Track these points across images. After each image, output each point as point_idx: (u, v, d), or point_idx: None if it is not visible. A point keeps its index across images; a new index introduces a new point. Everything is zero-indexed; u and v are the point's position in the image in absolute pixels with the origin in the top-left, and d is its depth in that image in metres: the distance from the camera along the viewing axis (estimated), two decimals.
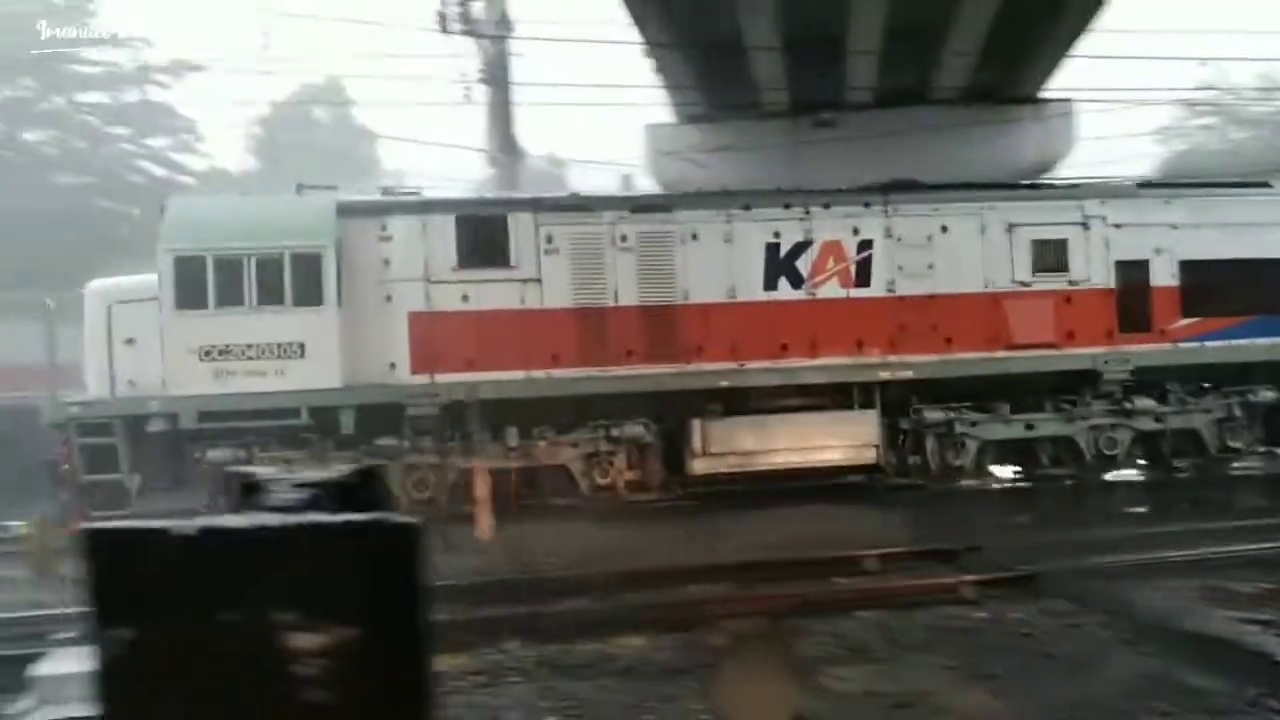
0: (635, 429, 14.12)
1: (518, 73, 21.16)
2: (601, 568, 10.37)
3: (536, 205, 14.24)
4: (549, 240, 14.08)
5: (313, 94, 42.93)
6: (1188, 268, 15.33)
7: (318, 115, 44.14)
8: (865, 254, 14.73)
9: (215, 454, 13.17)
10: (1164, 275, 15.34)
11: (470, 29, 19.87)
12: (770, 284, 14.53)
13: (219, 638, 1.91)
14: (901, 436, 14.84)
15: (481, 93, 20.75)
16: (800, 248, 14.59)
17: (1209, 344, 15.35)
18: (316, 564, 1.90)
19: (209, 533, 1.92)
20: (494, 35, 20.32)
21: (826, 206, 14.78)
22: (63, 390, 14.43)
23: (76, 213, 30.96)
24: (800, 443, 14.29)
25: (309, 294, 13.20)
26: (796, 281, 14.59)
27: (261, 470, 2.14)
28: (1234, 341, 15.37)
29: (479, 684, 7.05)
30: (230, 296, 13.06)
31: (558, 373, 13.99)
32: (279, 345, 13.13)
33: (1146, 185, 15.97)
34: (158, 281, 13.00)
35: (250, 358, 13.08)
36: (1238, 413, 15.37)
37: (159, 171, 38.21)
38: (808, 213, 14.68)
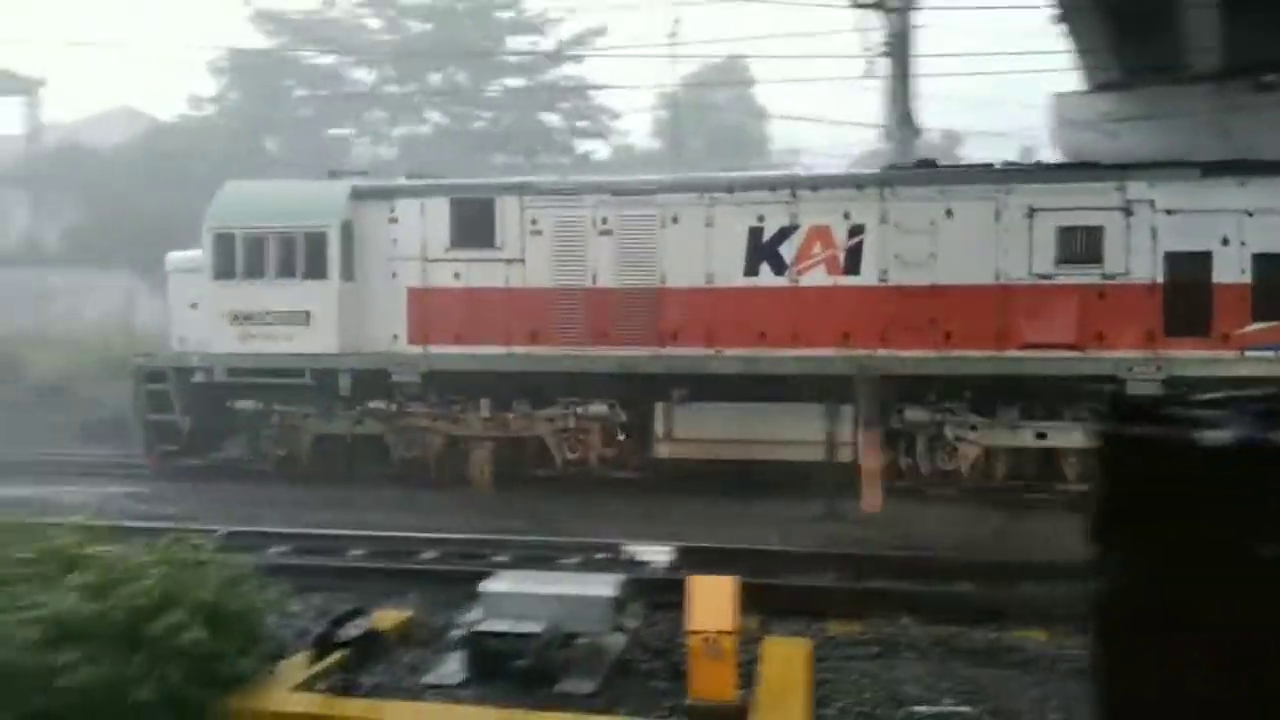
0: (600, 408, 14.45)
1: (920, 45, 20.48)
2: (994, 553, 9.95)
3: (523, 189, 14.87)
4: (534, 223, 14.69)
5: (714, 74, 43.71)
6: (1265, 262, 12.85)
7: (718, 95, 44.83)
8: (856, 240, 13.86)
9: (242, 404, 15.38)
10: (1232, 270, 12.97)
11: (879, 1, 19.61)
12: (751, 270, 14.12)
13: (1256, 579, 1.61)
14: (897, 436, 13.89)
15: (882, 67, 20.20)
16: (785, 233, 14.03)
17: None
18: None
19: (1251, 447, 1.68)
20: (900, 8, 19.83)
21: (815, 189, 14.07)
22: None
23: None
24: (768, 435, 13.86)
25: (316, 269, 14.89)
26: (779, 268, 14.06)
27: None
28: None
29: (873, 655, 7.22)
30: (254, 269, 15.06)
31: (536, 349, 14.63)
32: (290, 313, 14.95)
33: (1215, 165, 13.40)
34: (202, 255, 15.31)
35: (268, 323, 15.03)
36: None
37: (580, 148, 41.76)
38: (794, 196, 14.06)
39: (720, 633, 5.83)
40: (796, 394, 13.81)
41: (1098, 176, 13.46)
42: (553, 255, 14.64)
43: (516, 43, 41.46)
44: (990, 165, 14.03)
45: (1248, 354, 12.92)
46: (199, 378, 15.40)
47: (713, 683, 5.85)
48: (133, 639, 5.62)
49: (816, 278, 13.98)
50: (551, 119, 42.06)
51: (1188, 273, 13.06)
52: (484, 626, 6.48)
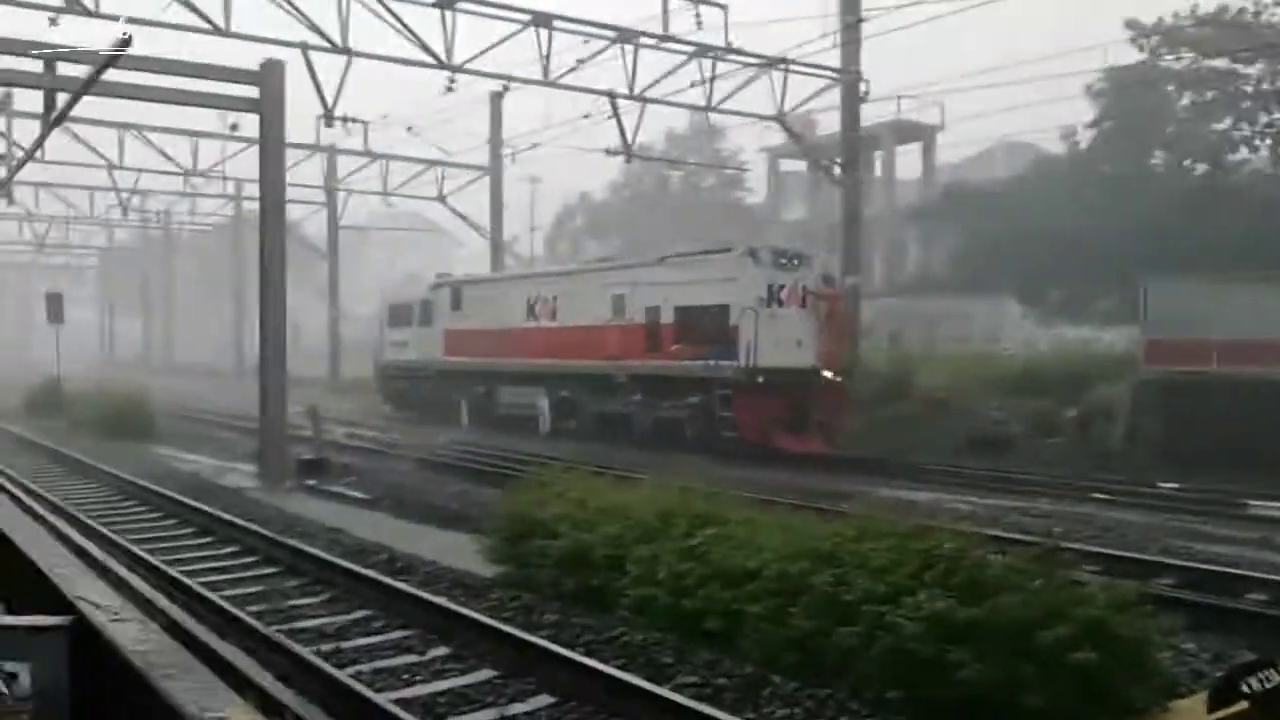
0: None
1: None
2: None
3: (461, 282, 30.58)
4: (473, 296, 30.11)
5: None
6: (679, 311, 22.98)
7: None
8: (555, 303, 26.76)
9: (401, 385, 33.44)
10: (668, 316, 23.25)
11: None
12: (526, 320, 27.78)
13: None
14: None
15: None
16: (537, 300, 27.45)
17: (690, 363, 22.69)
18: None
19: None
20: None
21: (546, 278, 27.29)
22: None
23: None
24: (528, 403, 27.53)
25: (411, 321, 32.27)
26: (533, 318, 27.53)
27: None
28: (699, 362, 22.43)
29: None
30: (397, 321, 33.02)
31: (477, 360, 29.89)
32: (405, 342, 32.55)
33: (664, 257, 23.53)
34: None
35: (400, 346, 32.81)
36: (684, 413, 22.57)
37: None
38: (540, 281, 27.45)
39: None
40: (537, 382, 27.28)
41: (626, 266, 24.68)
42: (481, 313, 29.86)
43: None
44: (596, 261, 25.75)
45: (673, 363, 23.13)
46: (389, 374, 33.89)
47: None
48: (1021, 647, 5.90)
49: (544, 323, 27.17)
50: None
51: (653, 319, 23.65)
52: None
